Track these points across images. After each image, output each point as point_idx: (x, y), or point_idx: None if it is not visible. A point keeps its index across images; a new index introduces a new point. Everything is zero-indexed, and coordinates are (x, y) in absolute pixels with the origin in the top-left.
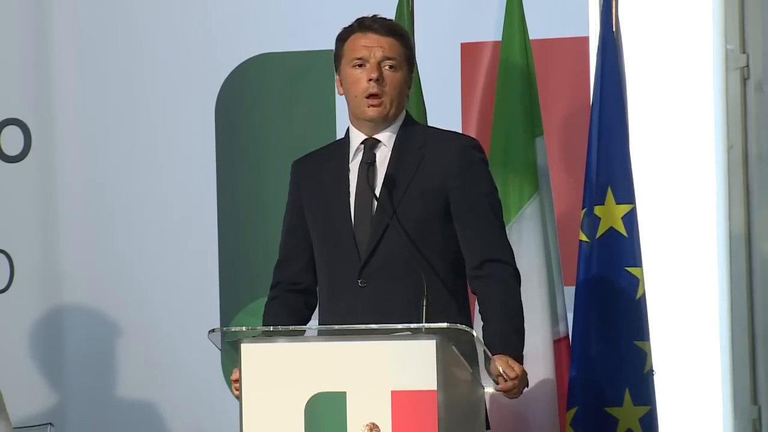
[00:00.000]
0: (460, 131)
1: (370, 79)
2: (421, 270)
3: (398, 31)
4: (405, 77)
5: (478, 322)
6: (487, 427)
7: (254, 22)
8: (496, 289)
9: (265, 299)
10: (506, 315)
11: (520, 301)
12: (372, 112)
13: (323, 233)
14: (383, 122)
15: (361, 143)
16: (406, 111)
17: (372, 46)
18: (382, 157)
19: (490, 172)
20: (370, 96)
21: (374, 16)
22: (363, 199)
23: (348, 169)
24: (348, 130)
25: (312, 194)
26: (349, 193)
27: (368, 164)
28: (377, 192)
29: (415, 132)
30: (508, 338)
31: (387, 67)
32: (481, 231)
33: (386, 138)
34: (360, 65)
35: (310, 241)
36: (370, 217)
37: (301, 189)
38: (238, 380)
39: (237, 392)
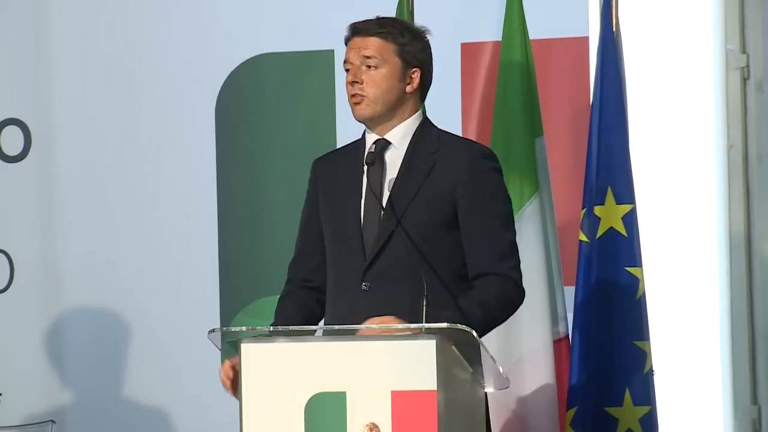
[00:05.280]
0: (460, 131)
1: (350, 83)
2: (423, 271)
3: (386, 29)
4: (390, 73)
5: None
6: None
7: (254, 22)
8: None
9: (265, 299)
10: (477, 294)
11: (504, 297)
12: (355, 111)
13: (333, 232)
14: (378, 121)
15: (373, 143)
16: (425, 114)
17: (354, 49)
18: (394, 158)
19: (503, 180)
20: (353, 96)
21: (369, 18)
22: (371, 200)
23: (362, 170)
24: (365, 130)
25: (327, 193)
26: (360, 194)
27: (369, 164)
28: (385, 194)
29: (429, 136)
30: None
31: (365, 67)
32: (482, 244)
33: (397, 139)
34: (348, 70)
35: (319, 252)
36: (378, 219)
37: (318, 187)
38: (237, 379)
39: (228, 389)
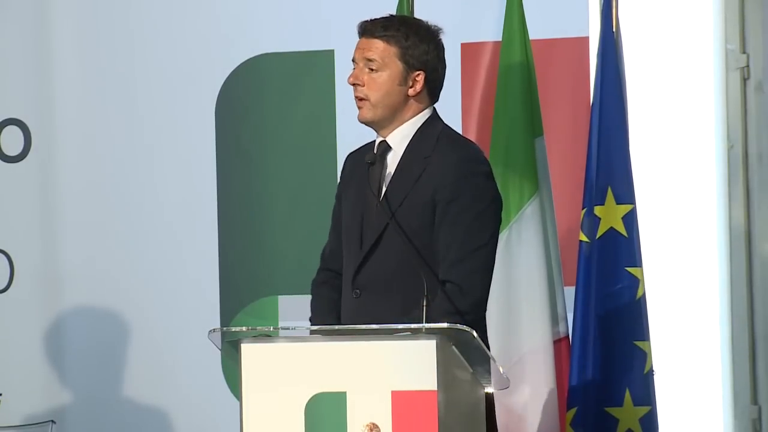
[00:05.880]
0: (461, 131)
1: (351, 84)
2: (422, 271)
3: (390, 31)
4: (392, 76)
5: None
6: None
7: (254, 22)
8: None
9: (265, 299)
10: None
11: (445, 310)
12: (358, 114)
13: (344, 232)
14: (380, 124)
15: (378, 144)
16: (435, 110)
17: (359, 49)
18: (393, 161)
19: (488, 184)
20: (356, 99)
21: (377, 18)
22: (372, 202)
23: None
24: None
25: (346, 191)
26: (365, 196)
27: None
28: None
29: (429, 138)
30: None
31: (368, 69)
32: (443, 250)
33: (396, 141)
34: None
35: None
36: (373, 219)
37: (344, 183)
38: None
39: None
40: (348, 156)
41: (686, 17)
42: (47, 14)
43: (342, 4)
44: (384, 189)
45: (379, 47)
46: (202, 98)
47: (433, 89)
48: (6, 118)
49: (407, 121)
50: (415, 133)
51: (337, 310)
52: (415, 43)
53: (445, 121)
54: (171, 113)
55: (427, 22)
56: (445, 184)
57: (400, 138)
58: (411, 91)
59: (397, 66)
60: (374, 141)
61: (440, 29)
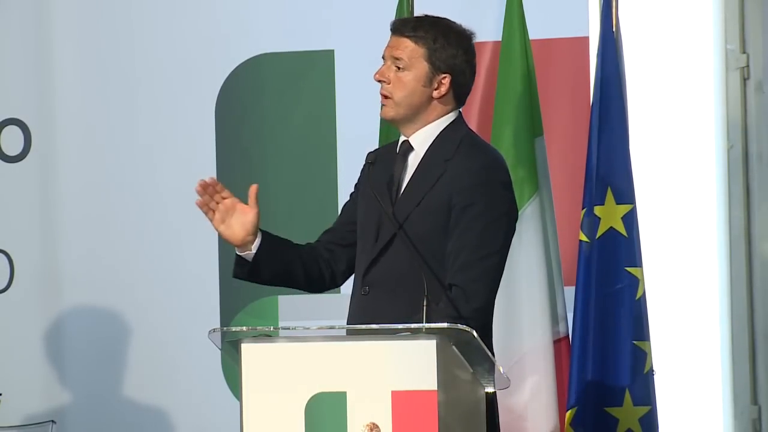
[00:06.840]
0: None
1: (377, 80)
2: (423, 272)
3: (419, 32)
4: (417, 76)
5: None
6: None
7: (254, 22)
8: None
9: (265, 299)
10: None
11: (447, 314)
12: (381, 111)
13: (360, 227)
14: (402, 123)
15: (400, 144)
16: (460, 114)
17: (389, 47)
18: (414, 162)
19: (505, 193)
20: (381, 95)
21: (409, 17)
22: (385, 203)
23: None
24: None
25: (365, 189)
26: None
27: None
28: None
29: (450, 142)
30: None
31: (394, 67)
32: (452, 255)
33: (419, 142)
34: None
35: (349, 227)
36: (385, 222)
37: (366, 179)
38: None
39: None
40: (369, 153)
41: (686, 17)
42: (47, 14)
43: (342, 4)
44: (402, 189)
45: (407, 46)
46: (202, 98)
47: (459, 93)
48: (6, 118)
49: (431, 122)
50: (438, 135)
51: (294, 250)
52: (443, 45)
53: None
54: (171, 113)
55: (460, 26)
56: (462, 189)
57: (422, 139)
58: (435, 93)
59: (423, 67)
60: (398, 140)
61: (473, 34)
